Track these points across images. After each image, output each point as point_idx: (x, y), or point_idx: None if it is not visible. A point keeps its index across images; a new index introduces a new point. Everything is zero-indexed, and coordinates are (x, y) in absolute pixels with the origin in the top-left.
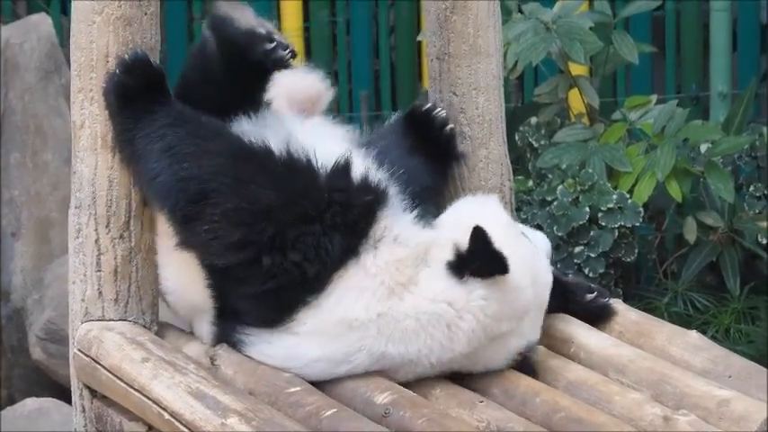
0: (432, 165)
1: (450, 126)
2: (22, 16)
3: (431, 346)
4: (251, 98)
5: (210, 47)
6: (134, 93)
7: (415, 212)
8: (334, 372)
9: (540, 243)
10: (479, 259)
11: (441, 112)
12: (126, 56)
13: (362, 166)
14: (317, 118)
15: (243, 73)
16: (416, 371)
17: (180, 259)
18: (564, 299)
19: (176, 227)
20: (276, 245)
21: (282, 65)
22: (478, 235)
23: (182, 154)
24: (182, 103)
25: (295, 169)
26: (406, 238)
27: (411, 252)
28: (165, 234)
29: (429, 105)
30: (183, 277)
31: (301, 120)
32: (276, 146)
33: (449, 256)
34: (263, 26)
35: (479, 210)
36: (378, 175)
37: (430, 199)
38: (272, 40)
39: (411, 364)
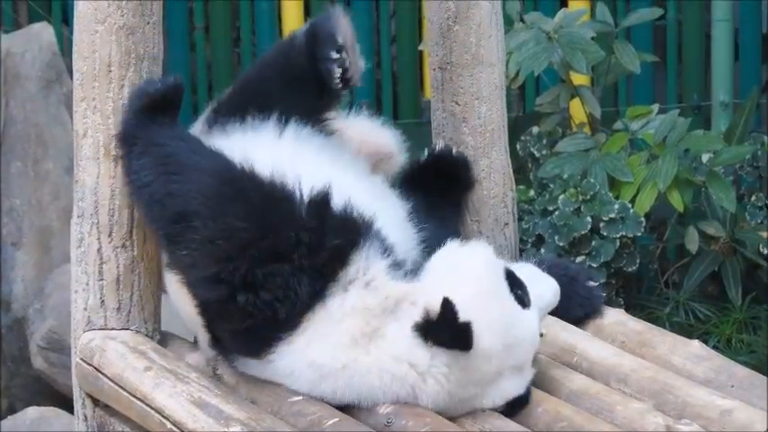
0: (450, 213)
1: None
2: (23, 25)
3: (398, 396)
4: (311, 105)
5: (298, 42)
6: (152, 111)
7: (391, 259)
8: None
9: (542, 292)
10: (443, 332)
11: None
12: (156, 83)
13: (347, 200)
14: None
15: (309, 72)
16: None
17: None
18: (568, 280)
19: (162, 246)
20: (248, 282)
21: (327, 78)
22: (446, 308)
23: (175, 165)
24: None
25: (273, 201)
26: (378, 285)
27: (381, 302)
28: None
29: (445, 147)
30: (181, 294)
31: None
32: (264, 174)
33: (417, 316)
34: (346, 39)
35: (464, 265)
36: (360, 213)
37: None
38: (339, 51)
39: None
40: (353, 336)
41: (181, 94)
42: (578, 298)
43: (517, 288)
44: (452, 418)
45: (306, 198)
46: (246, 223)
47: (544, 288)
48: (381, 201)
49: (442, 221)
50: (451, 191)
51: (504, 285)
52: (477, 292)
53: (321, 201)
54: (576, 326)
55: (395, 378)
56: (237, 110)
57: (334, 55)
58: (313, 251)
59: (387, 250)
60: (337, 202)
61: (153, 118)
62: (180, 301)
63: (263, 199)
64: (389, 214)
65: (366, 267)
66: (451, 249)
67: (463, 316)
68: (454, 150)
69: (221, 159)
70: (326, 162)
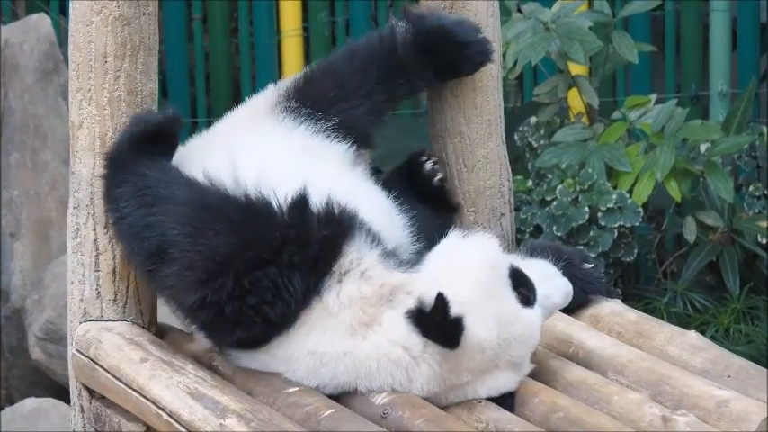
0: (435, 213)
1: (439, 177)
2: (21, 16)
3: (392, 385)
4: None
5: (400, 36)
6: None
7: (381, 248)
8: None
9: (551, 292)
10: (433, 326)
11: (428, 163)
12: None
13: (325, 198)
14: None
15: (436, 62)
16: None
17: None
18: (563, 265)
19: (143, 280)
20: (235, 294)
21: (488, 58)
22: (439, 302)
23: (152, 197)
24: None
25: (252, 213)
26: (373, 274)
27: (376, 290)
28: None
29: (419, 153)
30: None
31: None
32: (240, 191)
33: (411, 304)
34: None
35: (466, 258)
36: (344, 207)
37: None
38: (481, 33)
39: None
40: (351, 325)
41: (179, 127)
42: (577, 282)
43: (522, 286)
44: (447, 408)
45: (284, 200)
46: (226, 238)
47: (554, 288)
48: (365, 191)
49: (433, 209)
50: (434, 202)
51: (505, 282)
52: (474, 287)
53: (300, 199)
54: (578, 310)
55: (390, 361)
56: (312, 99)
57: (480, 36)
58: (302, 246)
59: (375, 240)
60: (316, 199)
61: (144, 148)
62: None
63: (241, 213)
64: (374, 203)
65: (359, 258)
66: (455, 240)
67: (456, 311)
68: (428, 166)
69: (197, 188)
70: (304, 158)
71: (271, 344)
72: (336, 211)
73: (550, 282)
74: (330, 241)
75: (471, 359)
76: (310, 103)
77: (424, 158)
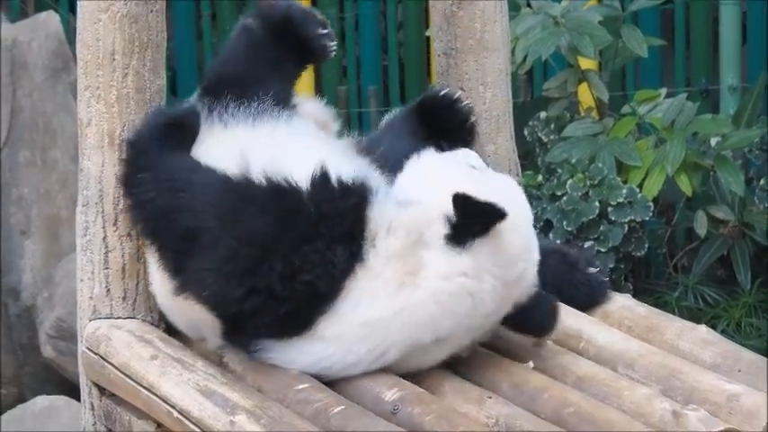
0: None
1: (473, 118)
2: (30, 15)
3: (459, 318)
4: (283, 89)
5: (254, 32)
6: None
7: (393, 199)
8: (366, 369)
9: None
10: (474, 222)
11: (466, 103)
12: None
13: (337, 171)
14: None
15: (287, 53)
16: (446, 349)
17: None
18: (567, 268)
19: (170, 272)
20: (285, 274)
21: (326, 53)
22: (461, 201)
23: (179, 182)
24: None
25: (280, 193)
26: (397, 225)
27: (406, 238)
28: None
29: (448, 92)
30: (179, 301)
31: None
32: (260, 176)
33: (443, 229)
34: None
35: (437, 167)
36: (354, 174)
37: None
38: (325, 27)
39: (443, 342)
40: (398, 279)
41: (198, 123)
42: (581, 286)
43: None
44: (457, 404)
45: (308, 179)
46: (263, 221)
47: (469, 155)
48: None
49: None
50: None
51: (471, 168)
52: (468, 182)
53: (323, 173)
54: (583, 312)
55: (452, 295)
56: (220, 96)
57: (323, 30)
58: (337, 218)
59: (386, 193)
60: (333, 173)
61: (165, 138)
62: (177, 306)
63: (269, 195)
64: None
65: (381, 216)
66: (416, 162)
67: (480, 197)
68: (443, 92)
69: (220, 174)
70: (317, 143)
71: (317, 326)
72: (351, 181)
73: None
74: (357, 208)
75: (519, 236)
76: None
77: (453, 96)
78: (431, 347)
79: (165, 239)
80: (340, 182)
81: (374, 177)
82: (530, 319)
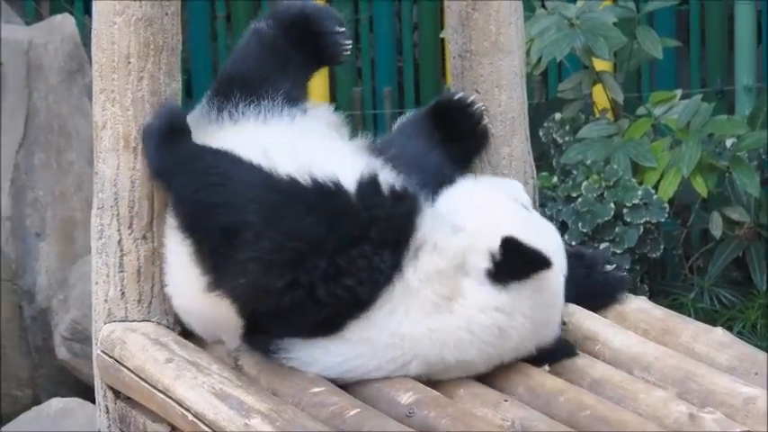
0: (455, 158)
1: (486, 121)
2: (45, 17)
3: (483, 348)
4: (294, 88)
5: (266, 32)
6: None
7: (446, 218)
8: (386, 376)
9: (523, 196)
10: (518, 266)
11: (479, 106)
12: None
13: (388, 176)
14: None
15: (299, 50)
16: (467, 371)
17: (193, 276)
18: (585, 270)
19: (205, 267)
20: (329, 275)
21: (340, 51)
22: (509, 243)
23: (217, 176)
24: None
25: (326, 193)
26: (444, 246)
27: (450, 262)
28: (177, 251)
29: (462, 96)
30: (201, 301)
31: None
32: (297, 171)
33: (485, 263)
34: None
35: (491, 201)
36: (406, 183)
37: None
38: (342, 25)
39: (465, 364)
40: (434, 301)
41: (179, 111)
42: (601, 286)
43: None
44: (473, 407)
45: (356, 182)
46: (310, 219)
47: (518, 190)
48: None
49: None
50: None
51: (520, 204)
52: (519, 221)
53: (373, 176)
54: (603, 311)
55: (484, 327)
56: (230, 96)
57: (339, 28)
58: (387, 223)
59: (438, 211)
60: (384, 177)
61: (174, 143)
62: (197, 307)
63: (315, 195)
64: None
65: (431, 231)
66: (471, 186)
67: (527, 242)
68: (457, 96)
69: (259, 169)
70: (332, 143)
71: (346, 329)
72: (404, 187)
73: (510, 187)
74: (407, 216)
75: (551, 288)
76: (230, 98)
77: (466, 99)
78: (452, 367)
79: (204, 235)
80: (392, 187)
81: (418, 188)
82: (545, 361)
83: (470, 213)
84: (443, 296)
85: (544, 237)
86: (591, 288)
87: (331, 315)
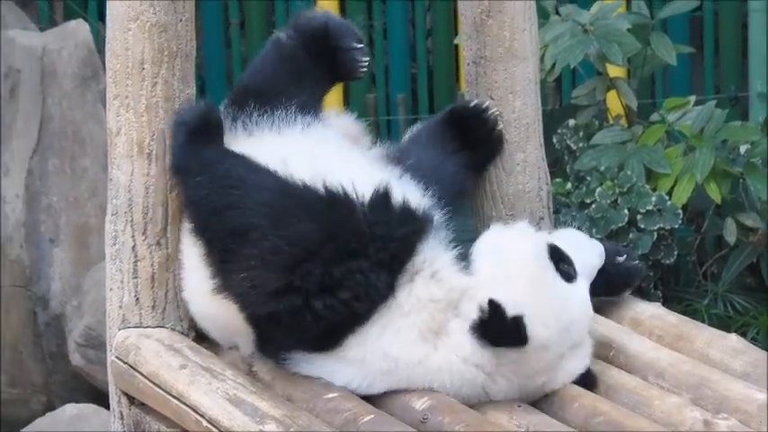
0: (469, 165)
1: (501, 127)
2: (59, 23)
3: (469, 398)
4: (310, 100)
5: (285, 44)
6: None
7: (457, 250)
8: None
9: (586, 258)
10: (497, 332)
11: (494, 113)
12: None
13: (403, 194)
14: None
15: (316, 64)
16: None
17: (205, 279)
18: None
19: (214, 268)
20: (325, 285)
21: (357, 67)
22: (493, 308)
23: (233, 179)
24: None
25: (335, 204)
26: (443, 277)
27: (446, 294)
28: (192, 255)
29: (477, 102)
30: (214, 305)
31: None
32: (313, 179)
33: (474, 314)
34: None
35: (510, 254)
36: (420, 203)
37: (464, 202)
38: (360, 42)
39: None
40: (421, 330)
41: (217, 113)
42: (612, 277)
43: (562, 262)
44: (486, 413)
45: (366, 195)
46: (313, 226)
47: (587, 252)
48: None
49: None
50: (477, 151)
51: (549, 266)
52: (526, 284)
53: (384, 194)
54: (618, 317)
55: (465, 381)
56: (245, 106)
57: (358, 45)
58: (386, 242)
59: (448, 241)
60: (397, 195)
61: (200, 143)
62: (212, 312)
63: (323, 204)
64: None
65: (432, 258)
66: (498, 234)
67: (512, 311)
68: (472, 102)
69: (275, 176)
70: (349, 152)
71: (343, 344)
72: (415, 209)
73: (583, 248)
74: (408, 239)
75: (540, 359)
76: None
77: (482, 106)
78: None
79: (214, 236)
80: (403, 206)
81: (437, 211)
82: None
83: (493, 263)
84: (431, 329)
85: (554, 303)
86: (605, 280)
87: (329, 329)
